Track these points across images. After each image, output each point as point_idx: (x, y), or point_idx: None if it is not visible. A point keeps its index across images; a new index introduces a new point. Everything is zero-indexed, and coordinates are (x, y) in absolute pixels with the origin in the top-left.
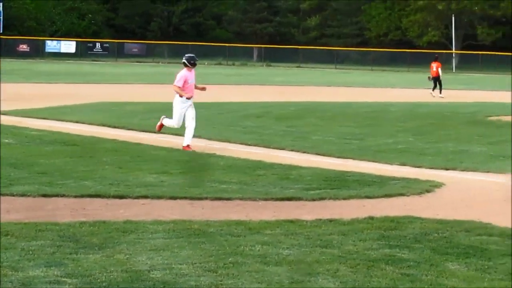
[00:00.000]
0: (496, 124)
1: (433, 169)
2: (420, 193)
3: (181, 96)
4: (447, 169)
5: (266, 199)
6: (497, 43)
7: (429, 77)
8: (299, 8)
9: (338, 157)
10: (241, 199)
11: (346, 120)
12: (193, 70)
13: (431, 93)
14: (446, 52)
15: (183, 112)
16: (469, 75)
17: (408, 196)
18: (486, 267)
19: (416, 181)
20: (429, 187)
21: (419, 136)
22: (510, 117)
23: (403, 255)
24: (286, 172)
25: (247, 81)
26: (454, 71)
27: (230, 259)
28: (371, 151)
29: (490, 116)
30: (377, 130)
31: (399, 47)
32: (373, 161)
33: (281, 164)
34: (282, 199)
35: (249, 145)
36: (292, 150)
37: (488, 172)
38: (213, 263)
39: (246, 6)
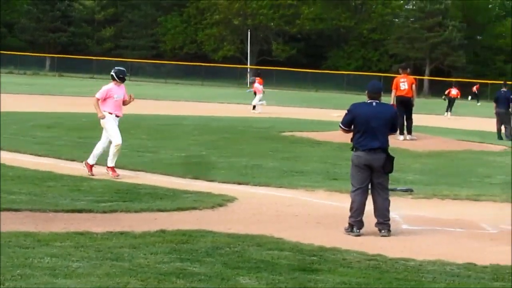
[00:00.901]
0: (289, 140)
1: (226, 183)
2: (212, 207)
3: (100, 116)
4: (240, 184)
5: (56, 211)
6: (291, 59)
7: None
8: (94, 18)
9: (131, 169)
10: (30, 210)
11: (139, 132)
12: (122, 86)
13: (253, 112)
14: (241, 67)
15: (116, 126)
16: (263, 90)
17: (200, 209)
18: (277, 281)
19: (208, 195)
20: (222, 201)
21: (213, 150)
22: (302, 133)
23: (194, 269)
24: (77, 183)
25: (39, 91)
26: (248, 86)
27: (18, 271)
28: (164, 164)
29: (283, 131)
30: (170, 143)
31: (194, 61)
32: (166, 174)
33: (72, 176)
34: (72, 211)
35: (39, 155)
36: (83, 162)
37: (280, 187)
38: (0, 275)
39: (39, 15)
